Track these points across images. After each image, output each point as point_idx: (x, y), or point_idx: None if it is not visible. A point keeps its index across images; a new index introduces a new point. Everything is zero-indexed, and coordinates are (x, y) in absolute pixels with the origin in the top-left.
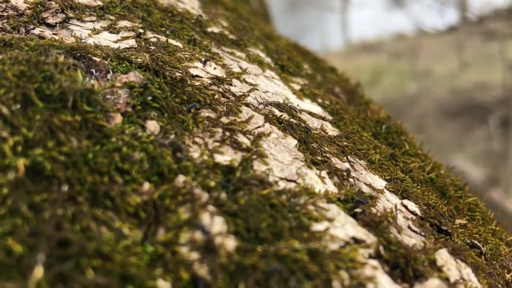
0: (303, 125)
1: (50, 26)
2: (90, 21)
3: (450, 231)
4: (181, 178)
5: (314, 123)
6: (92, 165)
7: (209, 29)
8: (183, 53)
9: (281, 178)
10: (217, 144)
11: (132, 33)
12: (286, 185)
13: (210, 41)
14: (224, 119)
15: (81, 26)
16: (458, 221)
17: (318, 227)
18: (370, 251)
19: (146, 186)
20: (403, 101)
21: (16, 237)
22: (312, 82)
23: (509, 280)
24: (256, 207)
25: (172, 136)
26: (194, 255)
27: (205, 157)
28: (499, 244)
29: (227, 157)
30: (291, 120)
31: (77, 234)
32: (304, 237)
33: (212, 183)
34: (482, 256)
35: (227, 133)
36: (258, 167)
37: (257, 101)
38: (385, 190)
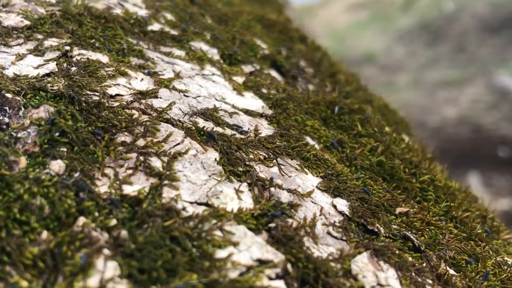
0: (228, 132)
1: None
2: (17, 44)
3: (376, 230)
4: (80, 221)
5: (245, 125)
6: None
7: (149, 28)
8: (107, 69)
9: (191, 203)
10: (130, 172)
11: (57, 53)
12: (195, 210)
13: (148, 42)
14: (141, 142)
15: (7, 52)
16: (398, 210)
17: (221, 254)
18: (277, 270)
19: (44, 234)
20: (441, 21)
21: None
22: (265, 65)
23: (442, 273)
24: (155, 244)
25: (77, 174)
26: None
27: (113, 190)
28: (446, 227)
29: (137, 186)
30: (215, 129)
31: None
32: (205, 268)
33: (113, 222)
34: (410, 252)
35: (141, 158)
36: (168, 193)
37: (182, 111)
38: (315, 191)
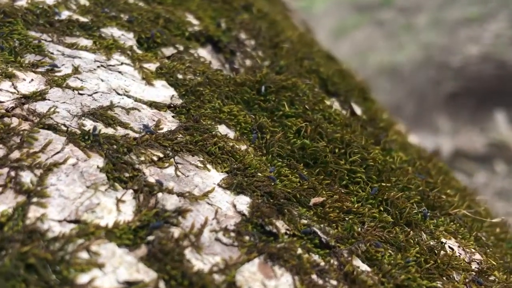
0: (120, 132)
1: None
2: None
3: (275, 230)
4: None
5: (143, 121)
6: None
7: (56, 17)
8: None
9: (60, 221)
10: None
11: None
12: (62, 230)
13: (53, 34)
14: (15, 154)
15: None
16: (313, 201)
17: (83, 279)
18: None
19: None
20: None
21: None
22: (193, 43)
23: (350, 271)
24: (7, 274)
25: None
26: None
27: None
28: (370, 214)
29: (2, 206)
30: (102, 132)
31: None
32: None
33: None
34: (317, 249)
35: (12, 173)
36: (34, 213)
37: (71, 113)
38: (216, 189)
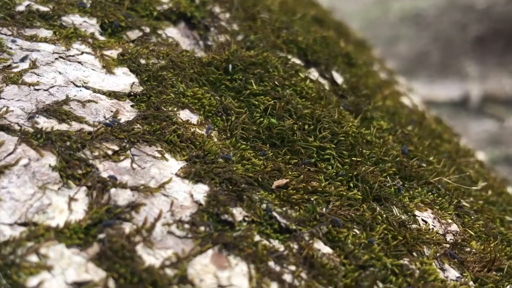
0: (75, 127)
1: None
2: None
3: (231, 218)
4: None
5: (100, 114)
6: None
7: (18, 8)
8: None
9: (11, 224)
10: None
11: None
12: (14, 233)
13: (13, 27)
14: None
15: None
16: (276, 184)
17: (32, 282)
18: None
19: None
20: None
21: None
22: (163, 23)
23: (308, 255)
24: None
25: None
26: None
27: None
28: (337, 192)
29: None
30: (55, 129)
31: None
32: None
33: None
34: (276, 234)
35: None
36: None
37: (25, 111)
38: (174, 179)
